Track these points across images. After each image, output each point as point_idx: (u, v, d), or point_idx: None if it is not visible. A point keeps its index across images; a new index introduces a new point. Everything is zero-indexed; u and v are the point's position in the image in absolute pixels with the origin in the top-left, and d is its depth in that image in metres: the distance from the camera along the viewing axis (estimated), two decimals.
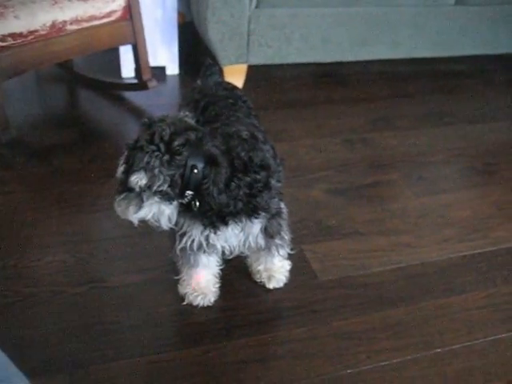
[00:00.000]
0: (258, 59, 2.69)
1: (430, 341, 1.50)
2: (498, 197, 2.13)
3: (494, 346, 1.50)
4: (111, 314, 1.54)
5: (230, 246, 1.43)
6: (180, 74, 2.94)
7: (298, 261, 1.70)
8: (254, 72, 2.83)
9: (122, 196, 1.27)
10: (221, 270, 1.60)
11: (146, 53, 2.51)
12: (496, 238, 1.89)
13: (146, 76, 2.56)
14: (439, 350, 1.48)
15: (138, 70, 2.56)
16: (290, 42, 2.67)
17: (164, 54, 2.89)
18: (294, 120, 2.55)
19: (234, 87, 1.70)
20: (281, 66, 2.93)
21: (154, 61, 2.83)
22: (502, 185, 2.21)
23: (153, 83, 2.59)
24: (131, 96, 2.70)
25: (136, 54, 2.51)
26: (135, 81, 2.63)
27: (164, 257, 1.70)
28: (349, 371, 1.41)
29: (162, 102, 2.71)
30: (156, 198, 1.24)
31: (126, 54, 2.71)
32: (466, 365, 1.45)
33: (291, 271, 1.64)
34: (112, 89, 2.74)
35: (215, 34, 2.56)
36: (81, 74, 2.80)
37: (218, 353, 1.44)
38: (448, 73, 3.12)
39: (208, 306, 1.56)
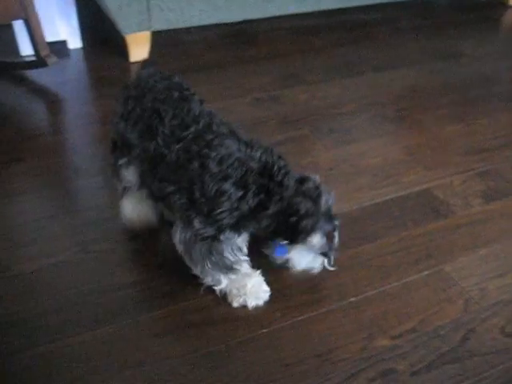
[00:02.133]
0: (161, 25, 2.60)
1: (344, 291, 1.52)
2: (408, 141, 2.16)
3: (407, 288, 1.53)
4: (19, 303, 1.48)
5: None
6: (84, 48, 2.82)
7: None
8: (159, 38, 2.74)
9: None
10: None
11: (39, 27, 2.38)
12: (407, 183, 1.92)
13: (43, 52, 2.43)
14: (353, 299, 1.50)
15: (34, 46, 2.43)
16: (192, 4, 2.59)
17: (63, 27, 2.76)
18: (203, 84, 2.49)
19: (171, 75, 1.60)
20: (187, 29, 2.85)
21: (53, 35, 2.70)
22: (412, 129, 2.24)
23: (52, 59, 2.46)
24: (34, 75, 2.57)
25: (30, 30, 2.38)
26: (34, 58, 2.50)
27: (73, 238, 1.65)
28: (264, 331, 1.40)
29: (67, 78, 2.60)
30: None
31: (22, 31, 2.57)
32: (380, 310, 1.47)
33: None
34: (10, 69, 2.60)
35: (112, 2, 2.45)
36: None
37: (131, 328, 1.41)
38: (356, 23, 3.12)
39: (118, 283, 1.52)
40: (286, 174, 1.35)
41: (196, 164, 1.33)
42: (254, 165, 1.32)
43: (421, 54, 2.83)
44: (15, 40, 2.65)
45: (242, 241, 1.43)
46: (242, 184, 1.31)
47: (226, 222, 1.33)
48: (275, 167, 1.34)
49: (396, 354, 1.36)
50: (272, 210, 1.32)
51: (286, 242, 1.40)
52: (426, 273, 1.58)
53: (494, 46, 3.05)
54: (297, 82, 2.54)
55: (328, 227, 1.39)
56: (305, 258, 1.47)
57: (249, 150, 1.35)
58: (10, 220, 1.76)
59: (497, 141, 2.17)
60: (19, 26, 2.56)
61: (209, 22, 2.75)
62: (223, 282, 1.45)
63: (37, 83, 2.54)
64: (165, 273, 1.55)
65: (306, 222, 1.33)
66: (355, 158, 2.03)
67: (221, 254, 1.38)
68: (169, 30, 2.73)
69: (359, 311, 1.47)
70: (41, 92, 2.49)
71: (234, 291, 1.46)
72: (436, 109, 2.37)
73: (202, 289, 1.46)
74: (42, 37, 2.42)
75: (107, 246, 1.64)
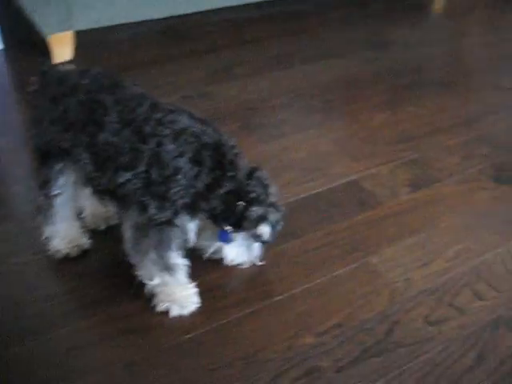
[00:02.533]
0: (84, 24, 2.54)
1: (269, 290, 1.50)
2: (337, 133, 2.15)
3: (333, 283, 1.52)
4: None
5: None
6: (5, 49, 2.72)
7: None
8: (84, 38, 2.66)
9: None
10: None
11: None
12: (334, 175, 1.91)
13: None
14: (279, 298, 1.48)
15: None
16: (113, 2, 2.52)
17: None
18: None
19: (88, 68, 1.50)
20: (114, 27, 2.78)
21: None
22: (341, 120, 2.24)
23: None
24: None
25: None
26: None
27: None
28: (188, 336, 1.37)
29: None
30: None
31: None
32: (305, 307, 1.46)
33: None
34: None
35: (30, 1, 2.37)
36: None
37: (50, 342, 1.36)
38: (286, 14, 3.11)
39: (37, 296, 1.47)
40: (237, 154, 1.35)
41: (151, 144, 1.30)
42: (208, 140, 1.31)
43: (351, 44, 2.84)
44: None
45: (193, 228, 1.40)
46: (197, 160, 1.30)
47: (181, 201, 1.31)
48: (227, 145, 1.34)
49: (321, 351, 1.35)
50: (224, 189, 1.32)
51: (230, 228, 1.39)
52: (352, 266, 1.57)
53: (424, 33, 3.08)
54: (227, 76, 2.51)
55: (275, 217, 1.39)
56: (240, 249, 1.47)
57: (201, 125, 1.34)
58: None
59: (424, 128, 2.19)
60: None
61: (135, 19, 2.70)
62: (156, 280, 1.40)
63: None
64: (87, 282, 1.51)
65: (256, 210, 1.34)
66: (284, 153, 2.01)
67: (169, 246, 1.35)
68: (94, 29, 2.66)
69: (285, 310, 1.45)
70: None
71: (162, 296, 1.43)
72: (365, 99, 2.37)
73: (131, 291, 1.43)
74: None
75: (28, 258, 1.58)
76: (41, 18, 2.41)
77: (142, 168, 1.31)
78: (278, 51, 2.73)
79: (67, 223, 1.56)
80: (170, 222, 1.33)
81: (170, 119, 1.33)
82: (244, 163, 1.37)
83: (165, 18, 2.88)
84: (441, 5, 3.44)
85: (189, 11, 2.83)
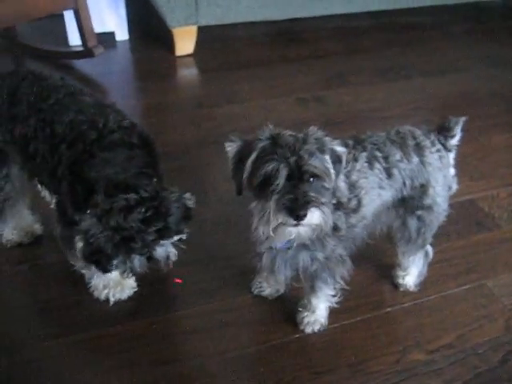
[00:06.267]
0: (208, 19, 2.60)
1: (380, 300, 1.48)
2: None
3: (445, 301, 1.49)
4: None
5: None
6: (130, 39, 2.83)
7: None
8: (206, 34, 2.73)
9: None
10: None
11: (88, 18, 2.40)
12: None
13: (91, 43, 2.46)
14: (389, 309, 1.46)
15: (82, 36, 2.45)
16: (239, 1, 2.57)
17: (112, 18, 2.78)
18: (246, 81, 2.47)
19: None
20: (234, 26, 2.83)
21: (101, 26, 2.72)
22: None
23: (99, 50, 2.48)
24: (80, 65, 2.59)
25: (78, 20, 2.40)
26: (81, 48, 2.52)
27: None
28: (296, 336, 1.38)
29: (112, 69, 2.62)
30: None
31: (72, 21, 2.59)
32: (415, 322, 1.43)
33: None
34: (58, 58, 2.62)
35: None
36: (25, 43, 2.68)
37: (161, 325, 1.40)
38: (405, 26, 3.05)
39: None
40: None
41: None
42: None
43: (471, 60, 2.75)
44: (65, 30, 2.68)
45: None
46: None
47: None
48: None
49: (431, 370, 1.32)
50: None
51: None
52: (466, 287, 1.53)
53: None
54: (341, 83, 2.50)
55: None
56: None
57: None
58: None
59: None
60: (69, 17, 2.59)
61: (255, 19, 2.73)
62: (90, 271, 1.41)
63: (83, 73, 2.56)
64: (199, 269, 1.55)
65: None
66: None
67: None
68: (215, 26, 2.72)
69: (395, 322, 1.43)
70: (85, 82, 2.50)
71: (101, 285, 1.45)
72: (484, 118, 2.29)
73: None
74: (91, 28, 2.44)
75: None
76: (168, 11, 2.49)
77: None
78: (394, 62, 2.69)
79: (18, 215, 1.59)
80: None
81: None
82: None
83: (282, 21, 2.90)
84: None
85: (306, 15, 2.84)
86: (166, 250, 1.22)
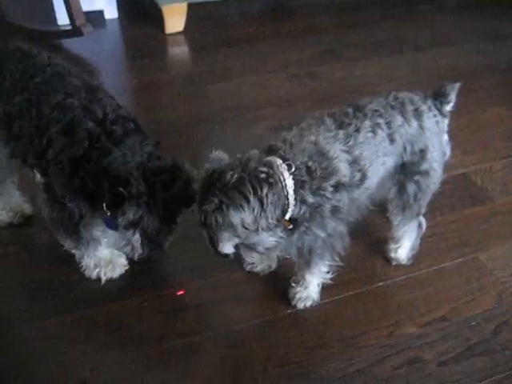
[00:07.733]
0: None
1: (372, 275, 1.48)
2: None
3: (438, 275, 1.49)
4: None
5: None
6: (119, 18, 2.80)
7: None
8: (197, 11, 2.69)
9: None
10: None
11: None
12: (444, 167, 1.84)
13: (79, 21, 2.42)
14: (382, 284, 1.46)
15: (70, 15, 2.42)
16: None
17: None
18: (238, 57, 2.45)
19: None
20: (226, 1, 2.80)
21: (89, 5, 2.68)
22: (452, 111, 2.15)
23: (88, 29, 2.45)
24: (69, 44, 2.56)
25: None
26: (70, 27, 2.49)
27: None
28: (288, 311, 1.38)
29: (102, 48, 2.59)
30: None
31: (60, 0, 2.55)
32: (408, 296, 1.43)
33: None
34: (46, 37, 2.58)
35: None
36: (12, 22, 2.64)
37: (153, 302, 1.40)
38: (398, 0, 3.01)
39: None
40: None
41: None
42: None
43: (464, 34, 2.73)
44: (53, 9, 2.64)
45: None
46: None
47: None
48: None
49: (423, 343, 1.32)
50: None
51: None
52: (459, 260, 1.52)
53: None
54: (334, 58, 2.47)
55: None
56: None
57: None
58: None
59: None
60: None
61: None
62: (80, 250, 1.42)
63: (72, 52, 2.53)
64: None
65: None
66: None
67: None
68: (206, 2, 2.69)
69: (387, 296, 1.43)
70: (75, 61, 2.46)
71: (92, 264, 1.45)
72: (478, 91, 2.28)
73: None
74: (79, 6, 2.40)
75: None
76: None
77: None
78: (387, 36, 2.66)
79: (7, 195, 1.58)
80: None
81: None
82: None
83: None
84: None
85: None
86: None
